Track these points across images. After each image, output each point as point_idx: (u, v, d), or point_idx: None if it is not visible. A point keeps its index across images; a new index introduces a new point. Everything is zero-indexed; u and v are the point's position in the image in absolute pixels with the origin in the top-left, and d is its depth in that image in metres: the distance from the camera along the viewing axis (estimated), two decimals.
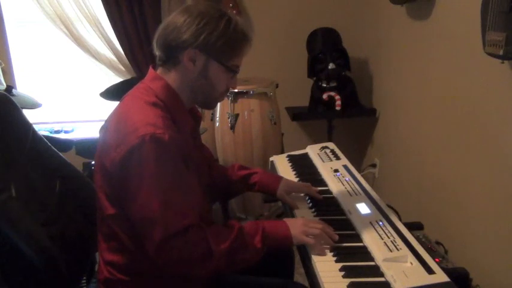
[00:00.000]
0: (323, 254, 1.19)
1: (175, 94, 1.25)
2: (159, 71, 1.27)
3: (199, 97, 1.29)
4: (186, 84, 1.25)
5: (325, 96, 2.88)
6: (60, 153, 1.53)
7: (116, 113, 1.25)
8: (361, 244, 1.23)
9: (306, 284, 1.27)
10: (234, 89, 1.36)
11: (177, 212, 1.12)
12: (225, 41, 1.20)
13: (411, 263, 1.11)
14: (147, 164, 1.10)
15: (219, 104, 2.63)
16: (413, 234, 1.24)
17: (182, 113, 1.26)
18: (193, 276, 1.23)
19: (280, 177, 1.59)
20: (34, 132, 1.46)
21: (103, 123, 1.29)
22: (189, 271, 1.17)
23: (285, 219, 1.29)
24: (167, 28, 1.22)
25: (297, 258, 1.35)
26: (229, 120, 2.55)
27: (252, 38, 1.26)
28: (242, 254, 1.18)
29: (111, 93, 2.44)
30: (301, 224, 1.25)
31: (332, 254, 1.19)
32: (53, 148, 1.51)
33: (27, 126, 1.44)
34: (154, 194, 1.10)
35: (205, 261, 1.14)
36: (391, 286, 1.05)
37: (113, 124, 1.21)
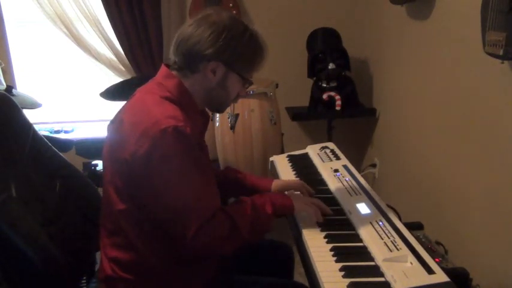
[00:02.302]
0: (319, 220, 1.33)
1: (188, 93, 1.27)
2: (170, 71, 1.29)
3: (212, 102, 1.33)
4: (202, 90, 1.28)
5: (325, 96, 2.88)
6: (61, 154, 1.53)
7: (130, 107, 1.26)
8: (361, 244, 1.23)
9: (306, 284, 1.27)
10: (244, 97, 1.39)
11: (206, 199, 1.19)
12: (247, 55, 1.26)
13: (411, 263, 1.11)
14: (172, 155, 1.13)
15: None
16: (413, 234, 1.24)
17: (194, 111, 1.29)
18: (222, 254, 1.30)
19: (272, 178, 1.62)
20: (34, 132, 1.46)
21: (110, 120, 1.30)
22: (221, 250, 1.24)
23: (286, 193, 1.42)
24: (191, 38, 1.23)
25: (297, 258, 1.35)
26: (229, 120, 2.55)
27: (267, 50, 1.33)
28: (259, 222, 1.26)
29: (111, 93, 2.44)
30: (300, 196, 1.43)
31: (332, 253, 1.19)
32: (54, 148, 1.51)
33: (27, 126, 1.44)
34: (185, 185, 1.15)
35: (234, 236, 1.21)
36: (391, 286, 1.05)
37: (129, 118, 1.21)
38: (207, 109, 1.41)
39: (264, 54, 1.31)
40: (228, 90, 1.30)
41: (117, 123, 1.25)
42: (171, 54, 1.29)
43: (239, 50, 1.24)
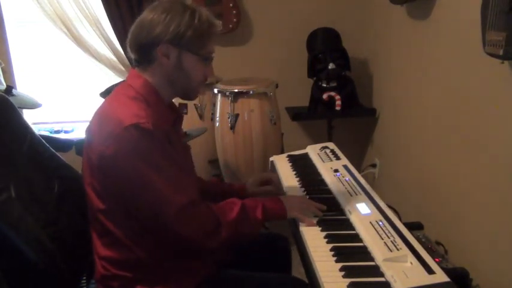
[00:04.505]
0: (312, 225, 1.32)
1: (154, 90, 1.30)
2: (137, 71, 1.32)
3: (178, 89, 1.34)
4: (164, 79, 1.30)
5: (325, 96, 2.88)
6: (59, 155, 1.53)
7: (99, 111, 1.31)
8: (361, 244, 1.23)
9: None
10: (211, 76, 1.38)
11: (178, 187, 1.21)
12: (193, 31, 1.25)
13: (411, 263, 1.11)
14: (138, 152, 1.16)
15: (219, 104, 2.63)
16: (413, 234, 1.24)
17: (161, 107, 1.31)
18: (205, 250, 1.31)
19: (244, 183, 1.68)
20: (32, 133, 1.45)
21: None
22: (203, 244, 1.25)
23: (280, 197, 1.41)
24: (136, 29, 1.28)
25: (297, 259, 1.35)
26: (229, 120, 2.55)
27: (217, 24, 1.32)
28: (246, 226, 1.29)
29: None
30: (294, 201, 1.40)
31: (332, 254, 1.19)
32: (51, 149, 1.50)
33: (25, 127, 1.44)
34: (153, 176, 1.17)
35: (216, 233, 1.23)
36: (391, 286, 1.05)
37: (96, 121, 1.27)
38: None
39: (211, 28, 1.29)
40: (187, 72, 1.30)
41: (89, 128, 1.30)
42: (129, 53, 1.32)
43: (183, 27, 1.24)
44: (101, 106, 1.31)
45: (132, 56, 1.32)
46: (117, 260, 1.27)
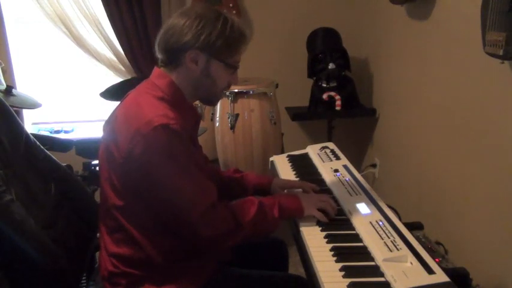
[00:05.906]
0: (325, 220, 1.34)
1: (179, 91, 1.30)
2: (162, 70, 1.32)
3: (202, 94, 1.35)
4: (189, 82, 1.30)
5: (325, 96, 2.88)
6: (54, 157, 1.52)
7: (123, 107, 1.29)
8: (361, 244, 1.23)
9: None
10: (236, 84, 1.39)
11: (203, 190, 1.23)
12: (224, 40, 1.25)
13: (411, 263, 1.11)
14: (166, 152, 1.17)
15: (219, 104, 2.63)
16: (413, 234, 1.24)
17: (186, 109, 1.32)
18: (224, 248, 1.35)
19: (273, 176, 1.64)
20: (27, 135, 1.45)
21: (105, 120, 1.33)
22: (223, 244, 1.29)
23: (297, 194, 1.43)
24: (167, 32, 1.27)
25: (297, 258, 1.35)
26: (229, 120, 2.55)
27: (248, 35, 1.32)
28: (263, 224, 1.31)
29: (111, 93, 2.44)
30: (309, 197, 1.42)
31: (332, 254, 1.19)
32: (46, 151, 1.50)
33: (20, 129, 1.43)
34: (182, 179, 1.19)
35: (235, 234, 1.26)
36: (391, 286, 1.05)
37: (122, 117, 1.25)
38: (199, 104, 1.42)
39: (241, 38, 1.30)
40: (213, 78, 1.30)
41: (111, 123, 1.28)
42: (156, 53, 1.32)
43: (214, 36, 1.24)
44: (124, 103, 1.31)
45: (159, 56, 1.31)
46: (127, 258, 1.27)
